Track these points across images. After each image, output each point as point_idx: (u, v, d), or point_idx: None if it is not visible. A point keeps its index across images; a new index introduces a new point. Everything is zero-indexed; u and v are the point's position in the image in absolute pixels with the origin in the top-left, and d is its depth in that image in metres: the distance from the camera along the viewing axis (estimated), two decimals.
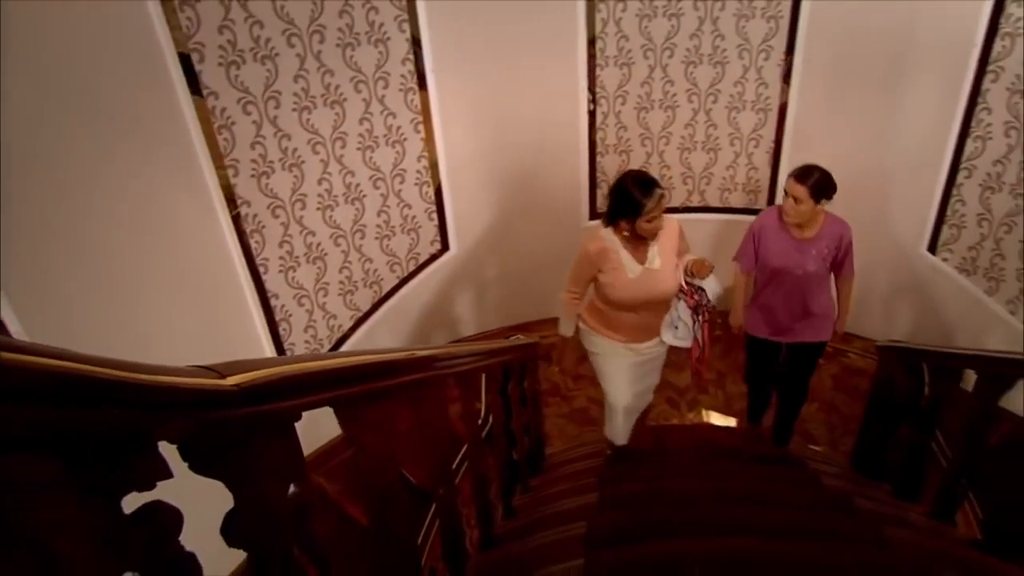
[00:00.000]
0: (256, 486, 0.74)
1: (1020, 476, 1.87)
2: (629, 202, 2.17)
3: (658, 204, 2.16)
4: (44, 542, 0.48)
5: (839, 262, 2.52)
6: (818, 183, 2.34)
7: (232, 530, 0.72)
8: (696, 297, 2.41)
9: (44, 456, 0.48)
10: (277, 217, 2.39)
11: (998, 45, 2.29)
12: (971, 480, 2.09)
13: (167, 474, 0.59)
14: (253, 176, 2.26)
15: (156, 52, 1.86)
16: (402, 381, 1.20)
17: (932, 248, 2.74)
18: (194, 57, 1.97)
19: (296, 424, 0.85)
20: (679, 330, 2.49)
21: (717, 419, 3.45)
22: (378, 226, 2.77)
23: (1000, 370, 1.95)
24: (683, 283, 2.39)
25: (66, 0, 1.57)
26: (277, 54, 2.21)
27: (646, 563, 1.63)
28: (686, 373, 3.33)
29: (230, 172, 2.18)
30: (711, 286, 2.39)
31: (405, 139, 2.71)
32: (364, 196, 2.67)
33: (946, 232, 2.67)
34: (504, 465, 2.33)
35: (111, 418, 0.52)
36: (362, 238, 2.73)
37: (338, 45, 2.37)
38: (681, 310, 2.44)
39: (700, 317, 2.46)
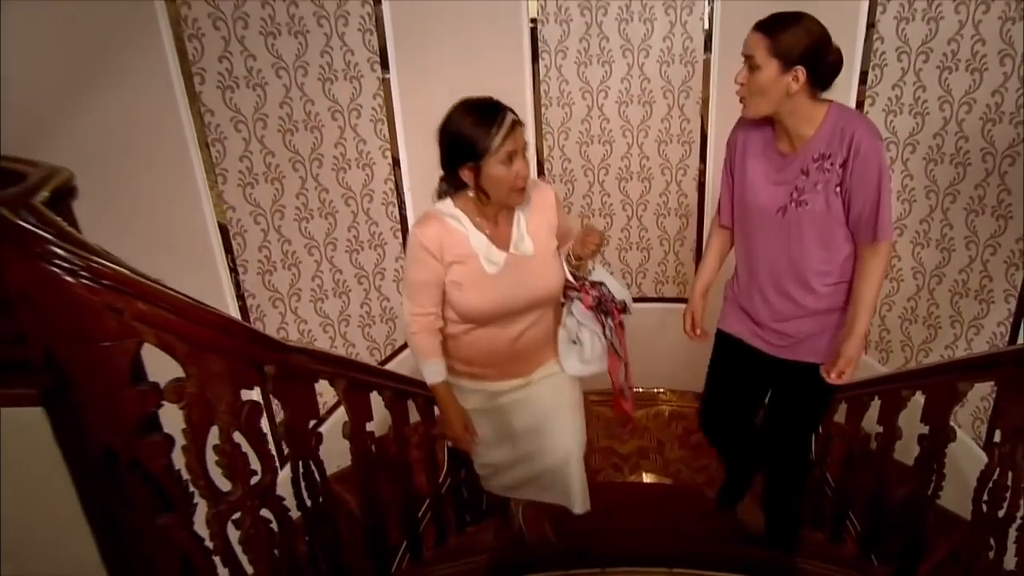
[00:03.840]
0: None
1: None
2: (464, 139, 1.51)
3: (512, 134, 1.50)
4: None
5: (851, 206, 1.56)
6: (792, 36, 1.48)
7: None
8: (594, 292, 1.72)
9: None
10: (258, 224, 2.70)
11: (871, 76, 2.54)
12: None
13: None
14: (239, 186, 2.58)
15: (164, 73, 2.21)
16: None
17: None
18: (196, 80, 2.32)
19: None
20: (584, 347, 1.75)
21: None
22: (348, 240, 3.09)
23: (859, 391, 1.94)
24: (569, 276, 1.72)
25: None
26: (267, 83, 2.58)
27: None
28: (631, 442, 2.97)
29: (220, 179, 2.50)
30: (611, 282, 1.75)
31: (374, 163, 3.07)
32: (336, 212, 3.00)
33: (876, 357, 2.85)
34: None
35: None
36: (333, 250, 3.04)
37: (319, 79, 2.76)
38: (579, 315, 1.73)
39: (609, 318, 1.73)
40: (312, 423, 1.55)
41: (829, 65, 1.53)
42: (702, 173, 3.25)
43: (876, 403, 1.93)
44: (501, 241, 1.67)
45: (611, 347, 1.76)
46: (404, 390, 2.06)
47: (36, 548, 1.15)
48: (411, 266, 1.67)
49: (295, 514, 1.48)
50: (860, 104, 2.55)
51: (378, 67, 2.96)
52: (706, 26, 3.00)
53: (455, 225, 1.64)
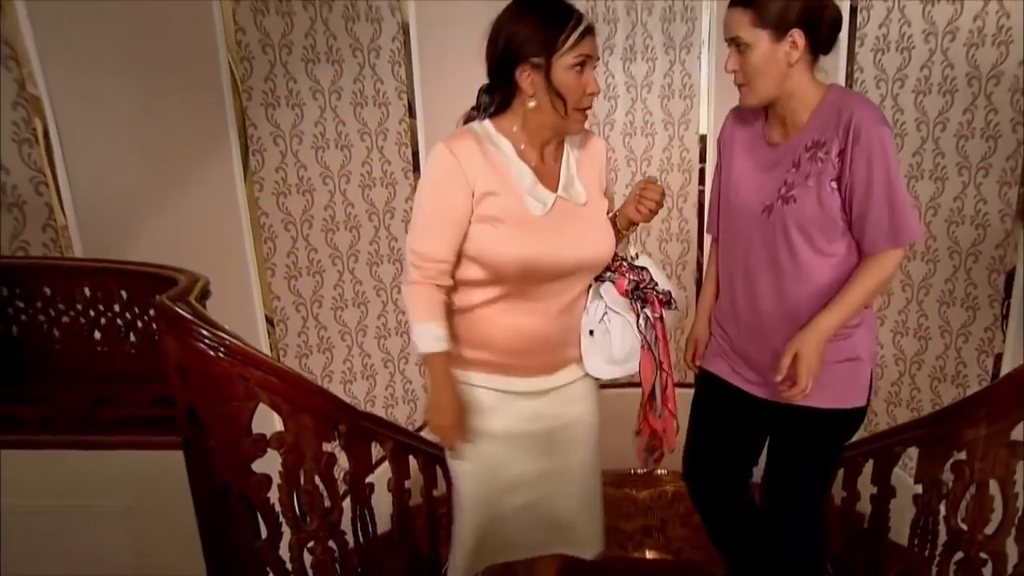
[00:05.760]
0: None
1: None
2: (533, 28, 1.26)
3: (587, 36, 1.27)
4: None
5: (852, 205, 1.32)
6: (780, 3, 1.30)
7: None
8: (632, 275, 1.42)
9: None
10: (288, 231, 2.91)
11: None
12: None
13: None
14: (273, 194, 2.81)
15: (218, 89, 2.48)
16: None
17: None
18: (244, 97, 2.59)
19: None
20: (612, 341, 1.40)
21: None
22: (369, 253, 3.28)
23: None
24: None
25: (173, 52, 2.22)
26: (304, 104, 2.84)
27: None
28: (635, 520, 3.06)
29: (256, 187, 2.73)
30: (655, 272, 1.47)
31: (396, 182, 3.30)
32: (360, 226, 3.21)
33: None
34: None
35: None
36: (355, 262, 3.23)
37: (351, 103, 3.03)
38: (609, 300, 1.41)
39: (647, 308, 1.42)
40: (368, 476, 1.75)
41: (829, 22, 1.33)
42: (701, 194, 3.46)
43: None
44: (548, 180, 1.36)
45: (645, 342, 1.42)
46: (436, 455, 2.05)
47: (159, 555, 1.45)
48: (428, 190, 1.34)
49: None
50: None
51: (404, 96, 3.24)
52: (703, 64, 3.30)
53: (494, 150, 1.33)
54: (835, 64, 2.75)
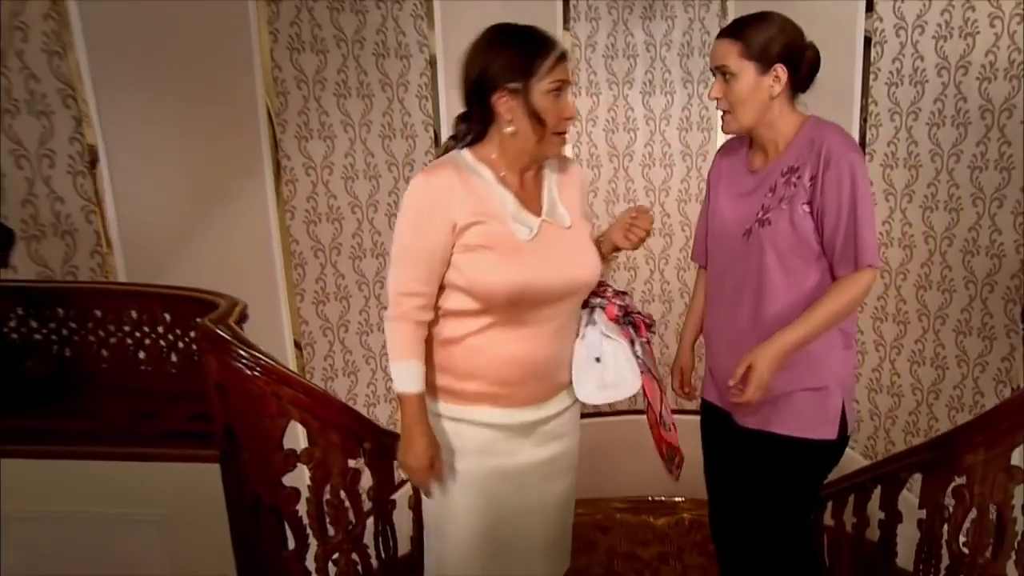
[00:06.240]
0: None
1: None
2: (507, 55, 1.29)
3: (562, 62, 1.30)
4: None
5: (824, 227, 1.37)
6: (764, 34, 1.38)
7: None
8: (618, 300, 1.46)
9: None
10: (317, 258, 3.03)
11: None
12: None
13: None
14: (304, 222, 2.94)
15: (255, 122, 2.64)
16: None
17: None
18: (278, 129, 2.74)
19: None
20: (606, 366, 1.42)
21: None
22: None
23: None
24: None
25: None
26: (335, 136, 2.99)
27: None
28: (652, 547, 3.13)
29: (287, 216, 2.86)
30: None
31: None
32: (386, 253, 3.33)
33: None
34: None
35: None
36: (380, 288, 3.34)
37: (380, 136, 3.17)
38: (603, 326, 1.44)
39: (638, 332, 1.46)
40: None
41: (808, 63, 1.42)
42: None
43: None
44: (531, 205, 1.37)
45: (644, 366, 1.45)
46: None
47: (193, 562, 1.55)
48: (406, 225, 1.32)
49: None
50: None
51: (431, 128, 3.37)
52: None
53: (475, 178, 1.32)
54: (850, 97, 2.81)
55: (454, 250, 1.31)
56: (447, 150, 1.41)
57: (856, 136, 2.81)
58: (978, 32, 2.36)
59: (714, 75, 1.47)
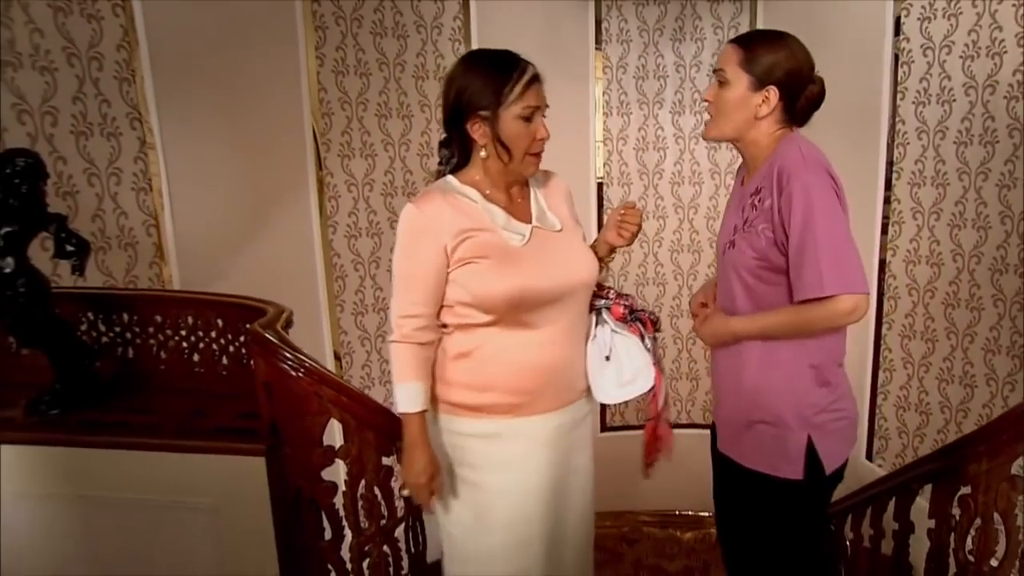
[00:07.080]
0: None
1: None
2: (477, 83, 1.33)
3: (533, 86, 1.34)
4: None
5: (788, 254, 1.30)
6: (771, 54, 1.34)
7: None
8: (623, 300, 1.49)
9: None
10: (357, 271, 3.18)
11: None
12: None
13: None
14: (345, 236, 3.10)
15: (302, 141, 2.81)
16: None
17: (869, 456, 3.03)
18: (322, 148, 2.91)
19: None
20: (621, 363, 1.45)
21: None
22: None
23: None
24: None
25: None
26: (376, 154, 3.15)
27: None
28: (678, 561, 3.19)
29: (330, 230, 3.02)
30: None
31: None
32: None
33: (876, 443, 3.02)
34: None
35: None
36: None
37: (417, 154, 3.33)
38: (611, 323, 1.47)
39: (645, 328, 1.48)
40: None
41: (808, 97, 1.36)
42: None
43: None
44: (521, 215, 1.42)
45: (654, 359, 1.48)
46: None
47: (238, 547, 1.65)
48: (402, 251, 1.39)
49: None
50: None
51: None
52: None
53: (463, 200, 1.38)
54: (878, 117, 2.85)
55: (450, 267, 1.37)
56: (439, 175, 1.48)
57: (883, 155, 2.84)
58: (1005, 52, 2.38)
59: (713, 78, 1.45)
